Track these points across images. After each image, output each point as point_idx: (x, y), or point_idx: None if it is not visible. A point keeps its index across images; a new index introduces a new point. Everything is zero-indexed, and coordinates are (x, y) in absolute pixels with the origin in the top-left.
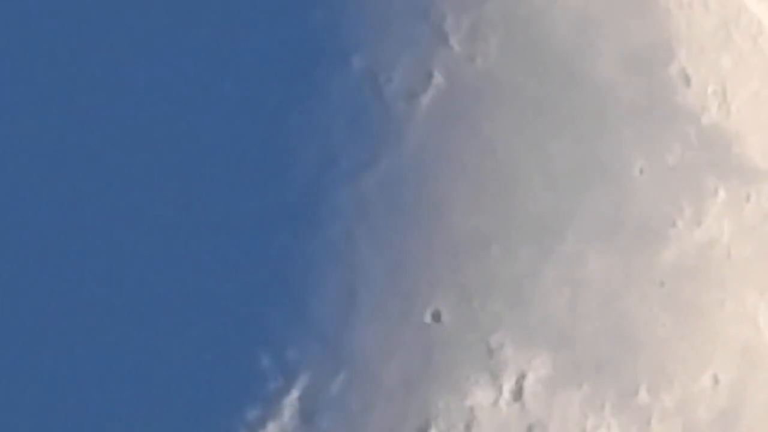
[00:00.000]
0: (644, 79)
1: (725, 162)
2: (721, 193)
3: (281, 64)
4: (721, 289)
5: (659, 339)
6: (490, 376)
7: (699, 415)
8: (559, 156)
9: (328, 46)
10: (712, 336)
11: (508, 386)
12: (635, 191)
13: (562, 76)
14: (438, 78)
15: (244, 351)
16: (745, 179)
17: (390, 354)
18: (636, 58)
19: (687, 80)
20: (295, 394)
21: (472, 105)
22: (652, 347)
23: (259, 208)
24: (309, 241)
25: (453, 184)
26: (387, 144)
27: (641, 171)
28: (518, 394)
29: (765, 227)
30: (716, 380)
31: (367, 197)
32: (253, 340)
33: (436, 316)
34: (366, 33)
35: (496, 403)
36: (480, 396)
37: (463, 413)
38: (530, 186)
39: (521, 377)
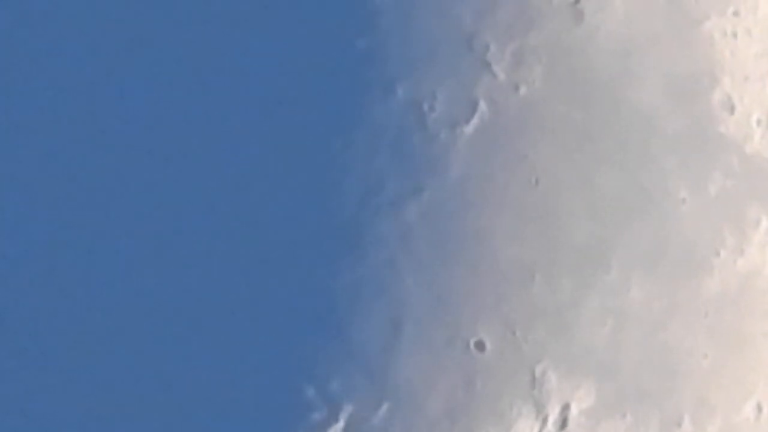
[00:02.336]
0: (688, 108)
1: None
2: (764, 223)
3: (325, 93)
4: (764, 319)
5: (702, 369)
6: (533, 407)
7: None
8: (602, 185)
9: (372, 76)
10: (755, 366)
11: (552, 417)
12: (678, 220)
13: (605, 105)
14: (482, 107)
15: (289, 382)
16: None
17: (433, 384)
18: (679, 86)
19: (731, 108)
20: (339, 425)
21: (515, 134)
22: (696, 377)
23: (303, 238)
24: (352, 270)
25: (496, 213)
26: (430, 173)
27: (684, 200)
28: (562, 424)
29: None
30: (760, 410)
31: (410, 226)
32: (298, 371)
33: (480, 346)
34: (410, 62)
35: None
36: (524, 426)
37: None
38: (574, 215)
39: (565, 407)
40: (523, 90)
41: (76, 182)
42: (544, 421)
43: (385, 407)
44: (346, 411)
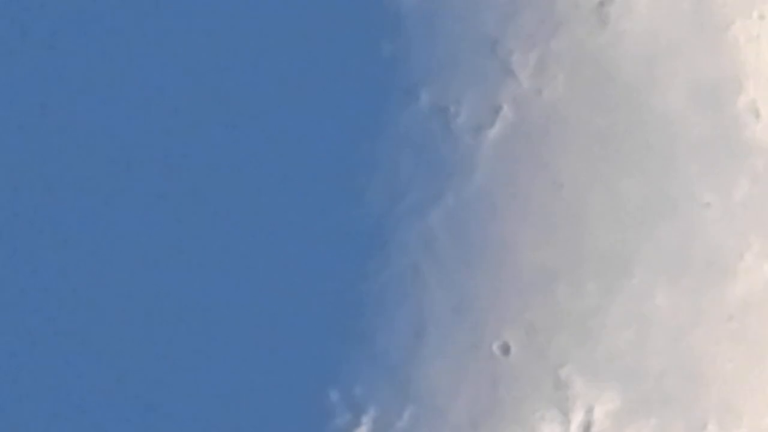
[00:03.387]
0: (713, 113)
1: None
2: None
3: (350, 98)
4: None
5: (727, 374)
6: (558, 411)
7: None
8: (626, 190)
9: (396, 80)
10: None
11: (576, 421)
12: (703, 226)
13: (630, 110)
14: (506, 112)
15: (313, 387)
16: None
17: (457, 389)
18: (704, 91)
19: (756, 113)
20: (363, 429)
21: (539, 139)
22: (720, 382)
23: (326, 243)
24: (377, 275)
25: (520, 218)
26: (454, 178)
27: (709, 205)
28: (586, 428)
29: None
30: None
31: (434, 231)
32: (322, 375)
33: (504, 351)
34: (434, 67)
35: None
36: (548, 430)
37: None
38: (598, 220)
39: (589, 411)
40: (546, 95)
41: (105, 186)
42: (569, 424)
43: (408, 412)
44: (370, 415)
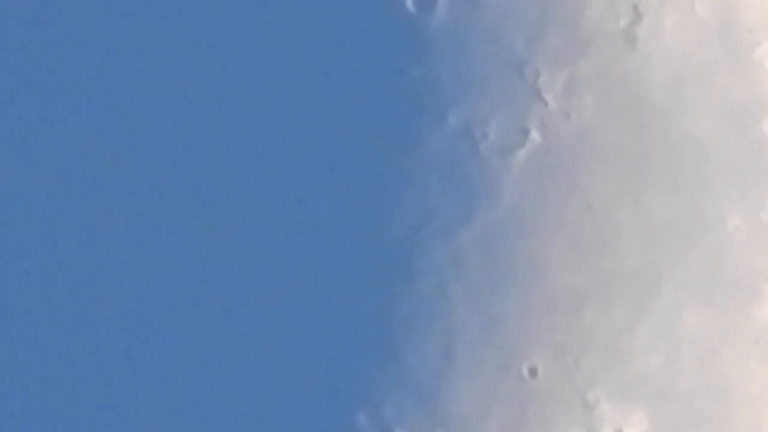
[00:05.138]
0: (740, 134)
1: None
2: None
3: (378, 120)
4: None
5: (755, 395)
6: None
7: None
8: (654, 212)
9: (424, 103)
10: None
11: None
12: (730, 247)
13: (658, 132)
14: (534, 134)
15: (342, 408)
16: None
17: (486, 410)
18: (732, 112)
19: None
20: None
21: (568, 161)
22: (749, 403)
23: (356, 265)
24: (405, 297)
25: (549, 239)
26: (483, 200)
27: (736, 227)
28: None
29: None
30: None
31: (462, 253)
32: (351, 396)
33: (532, 373)
34: (462, 89)
35: None
36: None
37: None
38: (626, 242)
39: None
40: (574, 117)
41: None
42: None
43: None
44: None
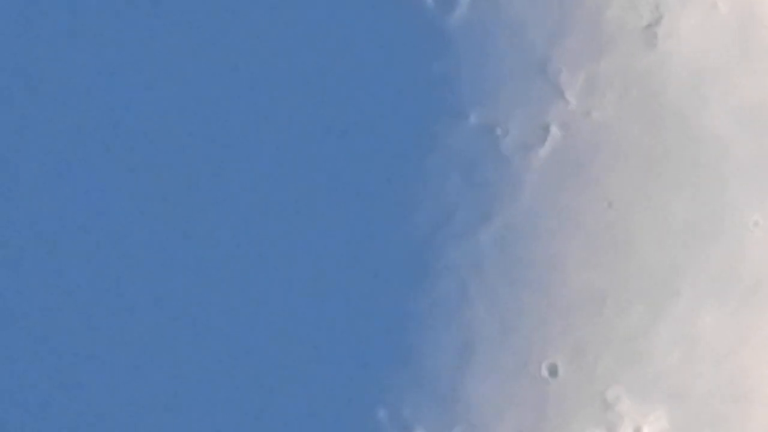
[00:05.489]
0: (759, 134)
1: None
2: None
3: (398, 119)
4: None
5: None
6: (606, 431)
7: None
8: (674, 210)
9: (445, 101)
10: None
11: None
12: (750, 246)
13: (678, 130)
14: (554, 132)
15: (361, 406)
16: None
17: (505, 409)
18: (751, 112)
19: None
20: None
21: (588, 159)
22: (766, 403)
23: (375, 264)
24: (424, 296)
25: (568, 238)
26: (503, 198)
27: (756, 225)
28: None
29: None
30: None
31: (482, 252)
32: (370, 395)
33: (551, 371)
34: (483, 88)
35: None
36: None
37: None
38: (645, 241)
39: None
40: (595, 115)
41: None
42: None
43: (456, 431)
44: None
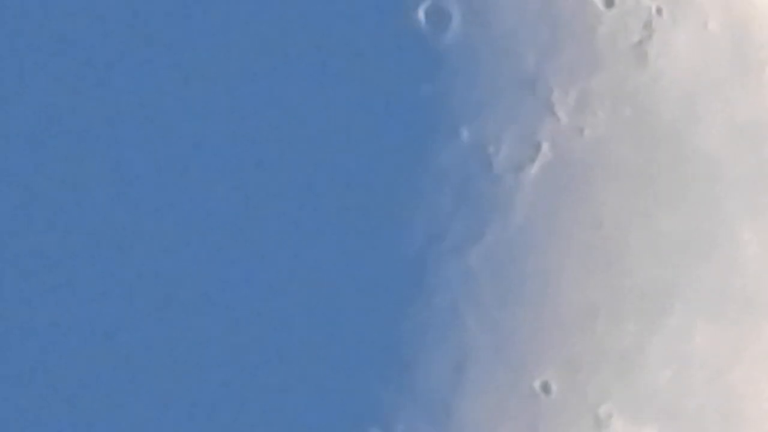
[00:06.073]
0: (752, 151)
1: None
2: None
3: (390, 136)
4: None
5: (766, 412)
6: None
7: None
8: (666, 228)
9: (437, 118)
10: None
11: None
12: (742, 264)
13: (670, 148)
14: (546, 149)
15: (353, 424)
16: None
17: (498, 426)
18: (743, 130)
19: None
20: None
21: (579, 177)
22: (760, 421)
23: (366, 281)
24: (416, 314)
25: (560, 255)
26: (494, 216)
27: (747, 243)
28: None
29: None
30: None
31: (474, 269)
32: (362, 412)
33: (544, 389)
34: (475, 105)
35: None
36: None
37: None
38: (637, 258)
39: None
40: (587, 133)
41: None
42: None
43: None
44: None
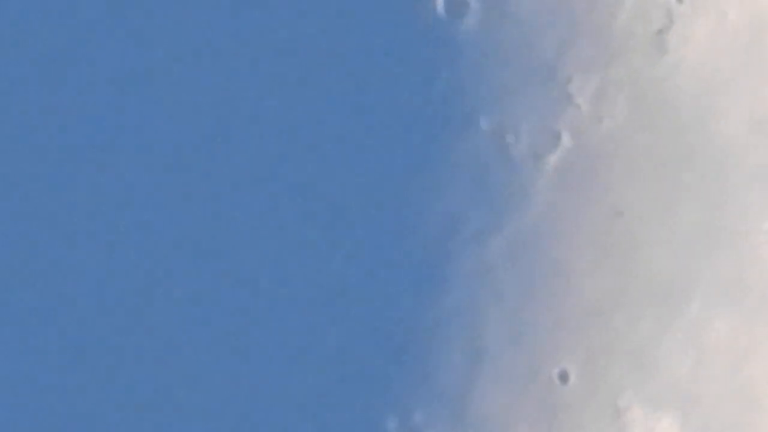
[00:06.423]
0: None
1: None
2: None
3: (408, 126)
4: None
5: None
6: None
7: None
8: (685, 218)
9: (455, 108)
10: None
11: None
12: (761, 253)
13: (689, 138)
14: (565, 138)
15: (371, 414)
16: None
17: (516, 416)
18: (762, 120)
19: None
20: None
21: (599, 166)
22: None
23: (384, 271)
24: (435, 303)
25: (579, 245)
26: (513, 205)
27: (767, 234)
28: None
29: None
30: None
31: (493, 259)
32: (380, 403)
33: (563, 378)
34: (493, 94)
35: None
36: None
37: None
38: (657, 247)
39: None
40: (606, 122)
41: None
42: None
43: None
44: None
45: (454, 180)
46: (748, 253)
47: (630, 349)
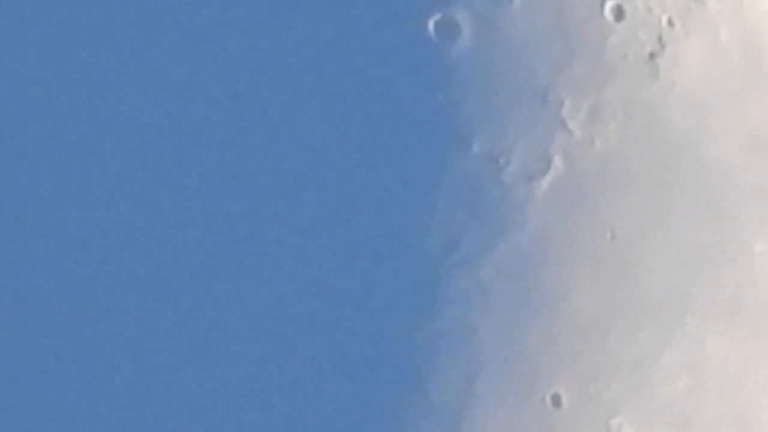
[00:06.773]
0: (764, 162)
1: None
2: None
3: (402, 148)
4: None
5: None
6: None
7: None
8: (679, 239)
9: (448, 130)
10: None
11: None
12: (756, 274)
13: (682, 160)
14: (557, 161)
15: None
16: None
17: None
18: (756, 140)
19: None
20: None
21: (591, 188)
22: None
23: (379, 292)
24: (429, 325)
25: (573, 267)
26: (506, 227)
27: (761, 254)
28: None
29: None
30: None
31: (486, 281)
32: (374, 423)
33: (556, 401)
34: (486, 117)
35: None
36: None
37: None
38: (650, 269)
39: None
40: (598, 145)
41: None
42: None
43: None
44: None
45: (447, 202)
46: (742, 273)
47: (623, 372)
